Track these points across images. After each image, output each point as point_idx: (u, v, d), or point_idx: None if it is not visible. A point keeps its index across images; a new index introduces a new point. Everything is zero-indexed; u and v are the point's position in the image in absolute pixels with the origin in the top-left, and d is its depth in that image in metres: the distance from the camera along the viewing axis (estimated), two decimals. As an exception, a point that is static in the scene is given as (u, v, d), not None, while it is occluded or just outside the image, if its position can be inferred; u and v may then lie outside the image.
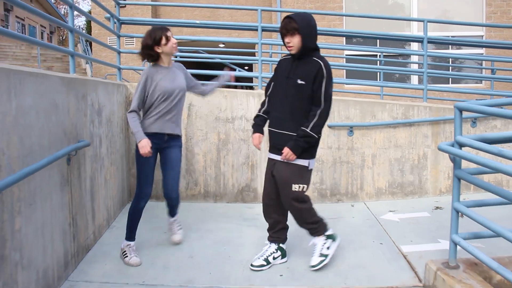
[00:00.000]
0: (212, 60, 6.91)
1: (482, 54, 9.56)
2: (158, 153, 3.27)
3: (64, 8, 31.33)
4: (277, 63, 3.13)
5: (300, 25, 2.77)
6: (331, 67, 2.91)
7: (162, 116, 3.17)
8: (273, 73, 3.14)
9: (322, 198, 4.72)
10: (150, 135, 3.10)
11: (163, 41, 3.08)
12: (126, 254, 3.13)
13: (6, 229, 2.04)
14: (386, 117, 4.74)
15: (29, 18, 24.90)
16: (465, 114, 2.81)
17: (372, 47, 8.36)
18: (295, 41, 2.83)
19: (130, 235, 3.20)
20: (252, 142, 3.12)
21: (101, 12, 7.66)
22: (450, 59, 10.22)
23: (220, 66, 8.71)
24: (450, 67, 10.35)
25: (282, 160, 2.86)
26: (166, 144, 3.26)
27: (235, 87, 8.26)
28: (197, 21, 4.91)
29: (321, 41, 3.84)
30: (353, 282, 2.81)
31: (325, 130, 4.11)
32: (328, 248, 3.00)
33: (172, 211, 3.48)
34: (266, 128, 3.10)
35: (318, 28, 2.94)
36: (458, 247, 2.54)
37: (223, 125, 4.68)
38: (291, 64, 2.94)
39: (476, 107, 2.32)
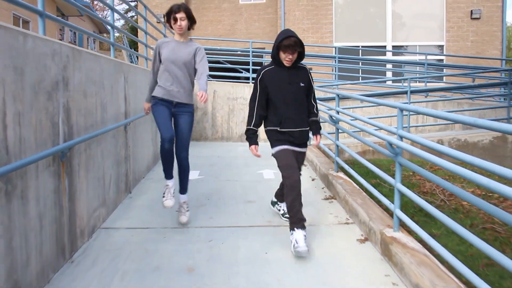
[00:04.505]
0: (228, 66, 11.09)
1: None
2: (173, 117, 3.42)
3: (102, 14, 35.76)
4: (261, 75, 3.30)
5: (301, 45, 3.21)
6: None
7: (165, 84, 3.30)
8: (259, 86, 3.29)
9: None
10: (159, 99, 3.32)
11: (172, 20, 3.29)
12: (164, 195, 3.53)
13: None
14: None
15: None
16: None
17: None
18: (294, 57, 3.23)
19: (166, 175, 3.56)
20: (253, 153, 3.33)
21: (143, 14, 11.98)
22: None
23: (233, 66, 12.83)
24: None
25: (316, 144, 3.50)
26: (175, 109, 3.37)
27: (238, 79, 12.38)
28: (218, 47, 9.25)
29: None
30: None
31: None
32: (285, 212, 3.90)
33: (182, 184, 3.55)
34: (262, 129, 3.46)
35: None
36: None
37: (231, 101, 9.01)
38: (286, 72, 3.30)
39: (340, 93, 6.41)
